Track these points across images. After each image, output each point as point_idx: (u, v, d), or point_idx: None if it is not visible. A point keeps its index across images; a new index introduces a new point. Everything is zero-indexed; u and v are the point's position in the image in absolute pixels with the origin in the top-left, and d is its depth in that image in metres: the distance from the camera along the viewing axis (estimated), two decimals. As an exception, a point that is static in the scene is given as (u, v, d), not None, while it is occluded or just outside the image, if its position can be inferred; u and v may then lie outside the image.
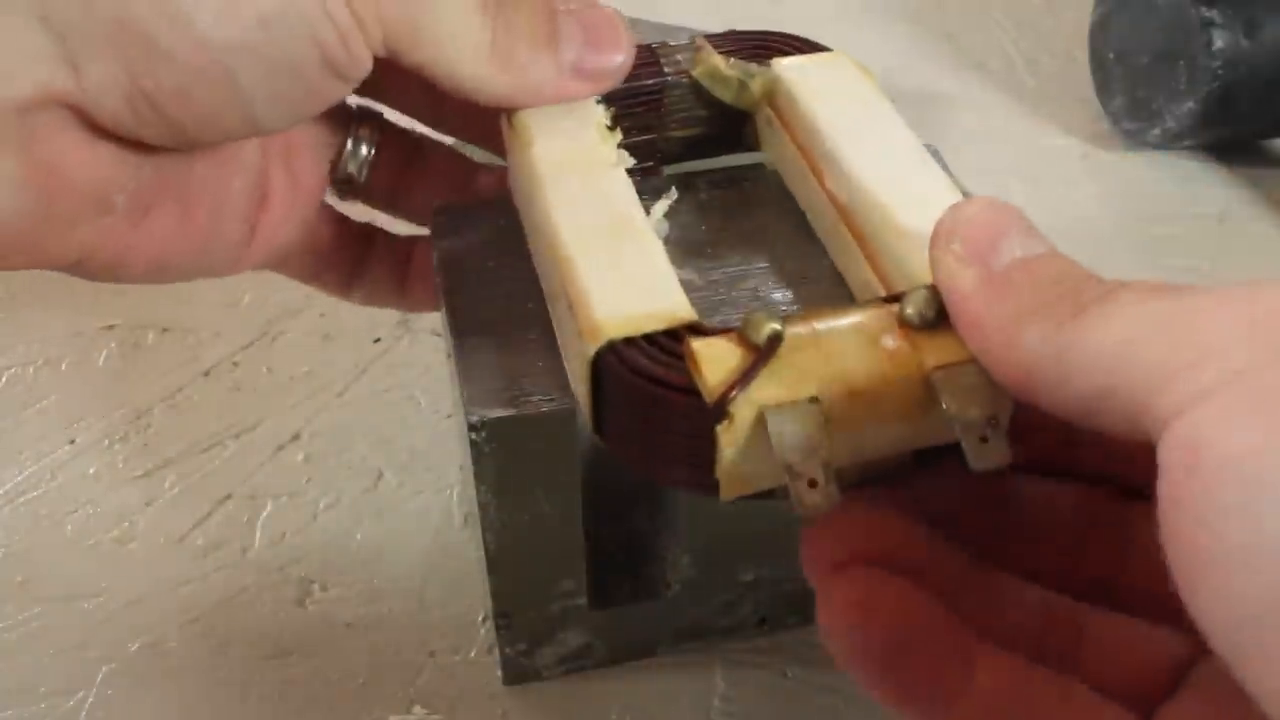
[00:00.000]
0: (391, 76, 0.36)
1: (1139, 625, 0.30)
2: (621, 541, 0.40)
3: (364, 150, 0.41)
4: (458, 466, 0.48)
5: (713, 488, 0.29)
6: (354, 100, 0.40)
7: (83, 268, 0.33)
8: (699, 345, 0.29)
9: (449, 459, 0.48)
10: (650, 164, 0.40)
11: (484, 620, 0.43)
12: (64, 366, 0.53)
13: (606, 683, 0.41)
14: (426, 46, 0.33)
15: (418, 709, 0.40)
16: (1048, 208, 0.61)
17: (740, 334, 0.29)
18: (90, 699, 0.41)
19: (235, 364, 0.53)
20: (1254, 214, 0.62)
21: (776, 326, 0.28)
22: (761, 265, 0.37)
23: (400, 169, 0.41)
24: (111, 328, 0.54)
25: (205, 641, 0.42)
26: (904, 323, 0.29)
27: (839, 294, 0.36)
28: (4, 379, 0.53)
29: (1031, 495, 0.31)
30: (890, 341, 0.29)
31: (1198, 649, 0.29)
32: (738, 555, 0.39)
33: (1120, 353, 0.24)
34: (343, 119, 0.41)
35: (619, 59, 0.36)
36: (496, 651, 0.40)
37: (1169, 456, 0.22)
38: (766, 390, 0.28)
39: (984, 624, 0.29)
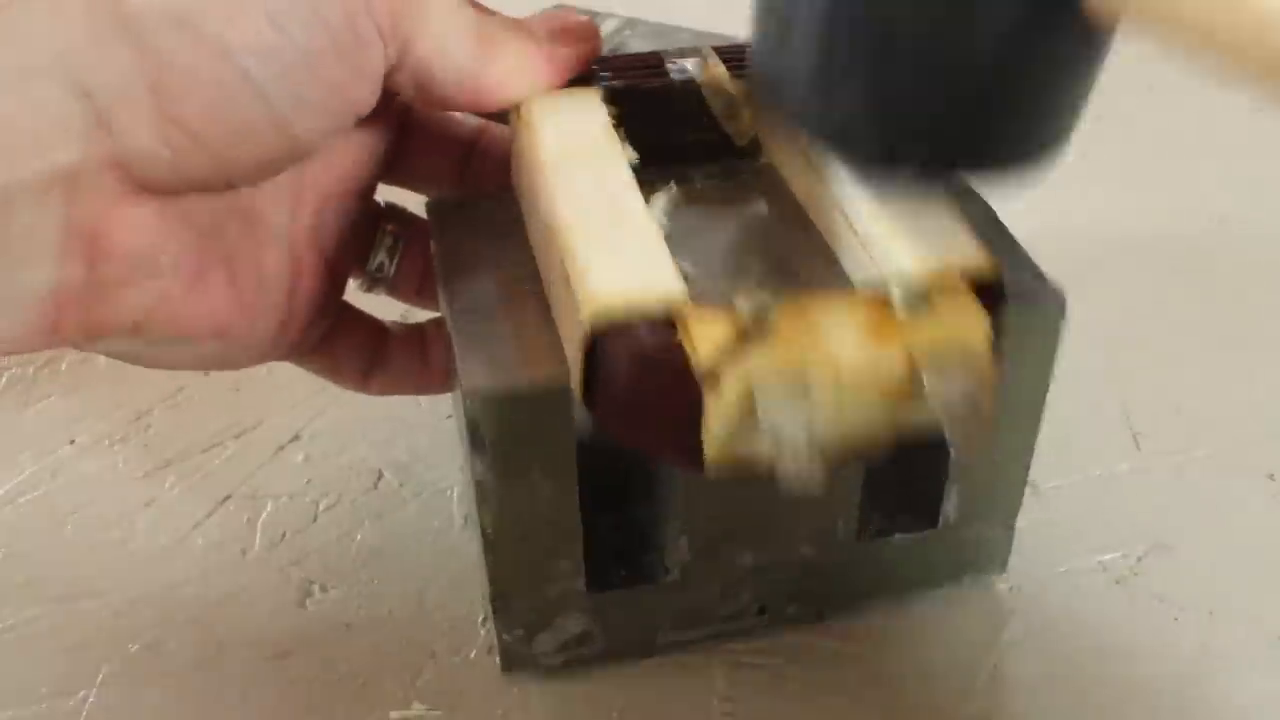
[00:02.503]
0: (413, 149, 0.41)
1: None
2: (619, 524, 0.40)
3: (390, 241, 0.42)
4: (458, 467, 0.48)
5: (700, 463, 0.30)
6: (380, 199, 0.42)
7: (141, 333, 0.34)
8: (692, 317, 0.30)
9: (449, 459, 0.48)
10: (651, 163, 0.40)
11: (484, 621, 0.43)
12: (64, 366, 0.53)
13: (606, 683, 0.41)
14: (427, 36, 0.35)
15: (417, 705, 0.40)
16: (1047, 208, 0.61)
17: (733, 310, 0.30)
18: (90, 699, 0.41)
19: (235, 364, 0.53)
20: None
21: (768, 303, 0.29)
22: (759, 258, 0.37)
23: (425, 260, 0.42)
24: (111, 328, 0.54)
25: (205, 641, 0.42)
26: (892, 305, 0.31)
27: (837, 286, 0.36)
28: (4, 379, 0.53)
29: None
30: (877, 321, 0.30)
31: None
32: (736, 540, 0.39)
33: None
34: (370, 216, 0.42)
35: (587, 45, 0.39)
36: (497, 652, 0.40)
37: None
38: (756, 363, 0.29)
39: None
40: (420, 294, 0.43)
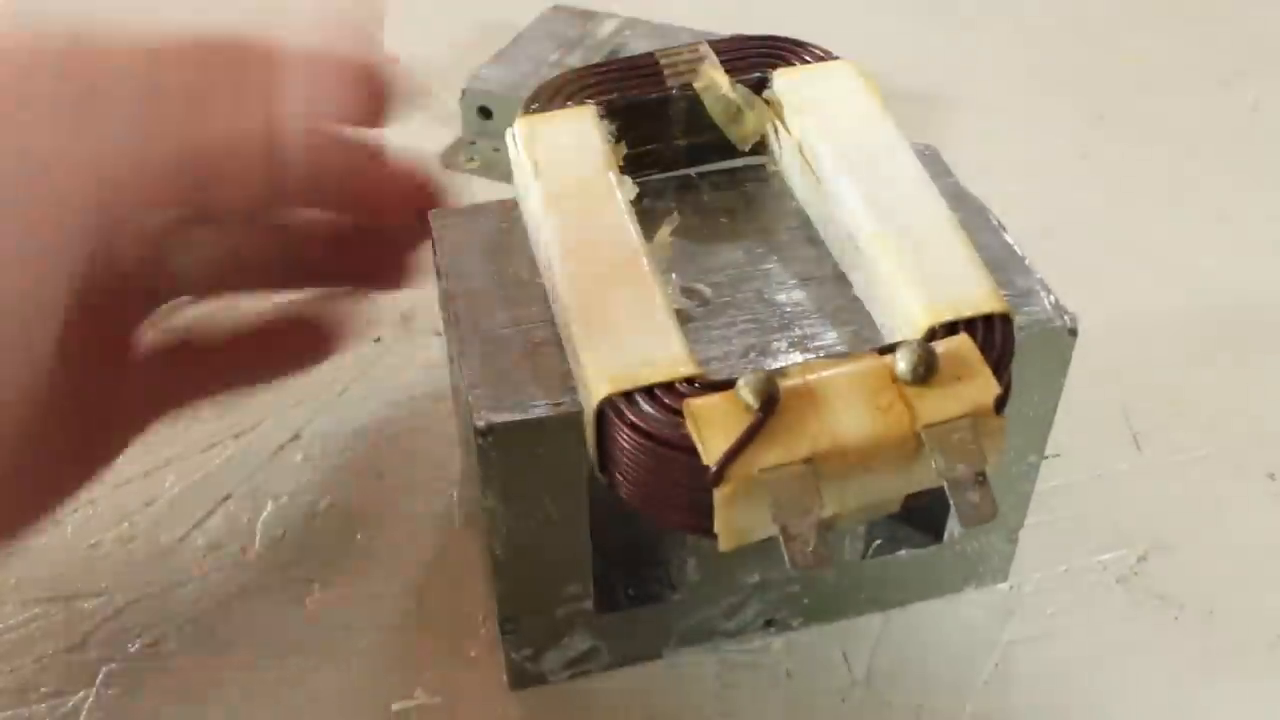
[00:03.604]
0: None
1: None
2: (627, 545, 0.40)
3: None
4: (457, 467, 0.48)
5: (714, 534, 0.30)
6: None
7: None
8: (698, 407, 0.30)
9: (449, 459, 0.48)
10: (654, 172, 0.40)
11: (484, 620, 0.42)
12: (64, 366, 0.53)
13: (607, 682, 0.41)
14: None
15: (419, 692, 0.40)
16: (1047, 208, 0.61)
17: (738, 394, 0.30)
18: (90, 699, 0.41)
19: (235, 364, 0.53)
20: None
21: (773, 389, 0.29)
22: (765, 267, 0.37)
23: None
24: (111, 327, 0.54)
25: (205, 641, 0.42)
26: (896, 377, 0.30)
27: (843, 295, 0.36)
28: (3, 379, 0.52)
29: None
30: (884, 398, 0.30)
31: None
32: (742, 558, 0.39)
33: None
34: None
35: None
36: (499, 652, 0.40)
37: None
38: (763, 454, 0.29)
39: None
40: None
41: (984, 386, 0.30)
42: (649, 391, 0.31)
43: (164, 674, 0.41)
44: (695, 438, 0.29)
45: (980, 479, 0.29)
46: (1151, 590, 0.44)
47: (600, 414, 0.31)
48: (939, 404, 0.30)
